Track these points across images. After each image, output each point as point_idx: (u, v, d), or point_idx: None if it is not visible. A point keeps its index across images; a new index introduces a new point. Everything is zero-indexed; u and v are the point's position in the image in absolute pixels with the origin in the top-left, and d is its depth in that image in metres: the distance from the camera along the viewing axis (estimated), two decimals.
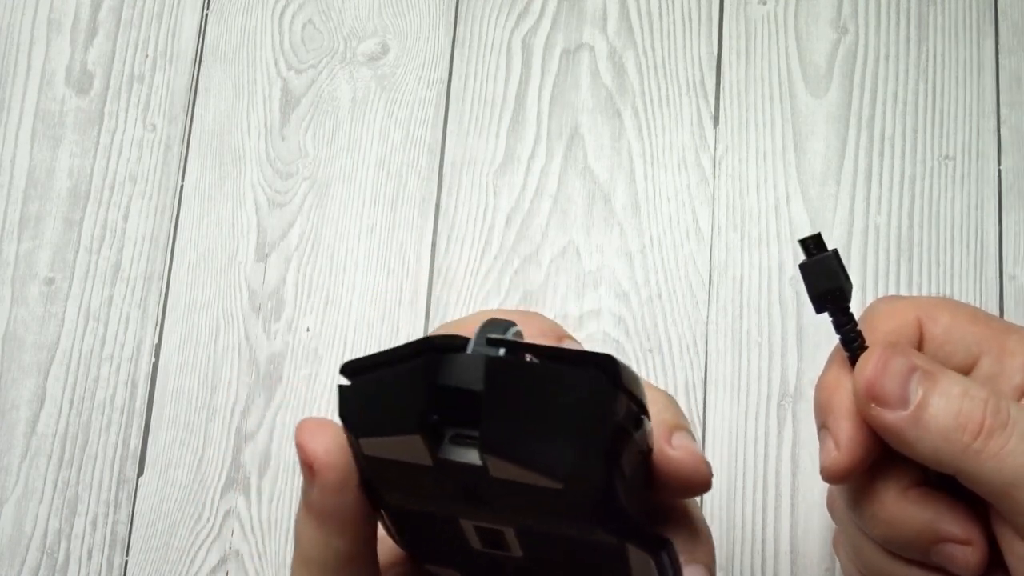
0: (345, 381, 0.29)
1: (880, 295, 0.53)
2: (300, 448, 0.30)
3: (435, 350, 0.28)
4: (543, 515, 0.29)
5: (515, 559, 0.31)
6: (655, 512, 0.33)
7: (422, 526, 0.31)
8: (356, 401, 0.29)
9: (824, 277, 0.34)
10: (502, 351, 0.28)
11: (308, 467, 0.30)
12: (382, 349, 0.29)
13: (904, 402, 0.32)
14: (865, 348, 0.35)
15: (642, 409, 0.30)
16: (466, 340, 0.29)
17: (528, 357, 0.29)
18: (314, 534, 0.31)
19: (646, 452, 0.31)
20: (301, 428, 0.31)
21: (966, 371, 0.35)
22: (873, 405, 0.33)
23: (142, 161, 0.57)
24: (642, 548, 0.29)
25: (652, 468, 0.32)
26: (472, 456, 0.28)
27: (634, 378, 0.29)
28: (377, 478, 0.30)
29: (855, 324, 0.35)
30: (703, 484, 0.32)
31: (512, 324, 0.30)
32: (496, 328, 0.29)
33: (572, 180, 0.55)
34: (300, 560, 0.31)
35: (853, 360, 0.35)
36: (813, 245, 0.34)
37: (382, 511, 0.32)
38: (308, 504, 0.31)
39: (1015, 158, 0.55)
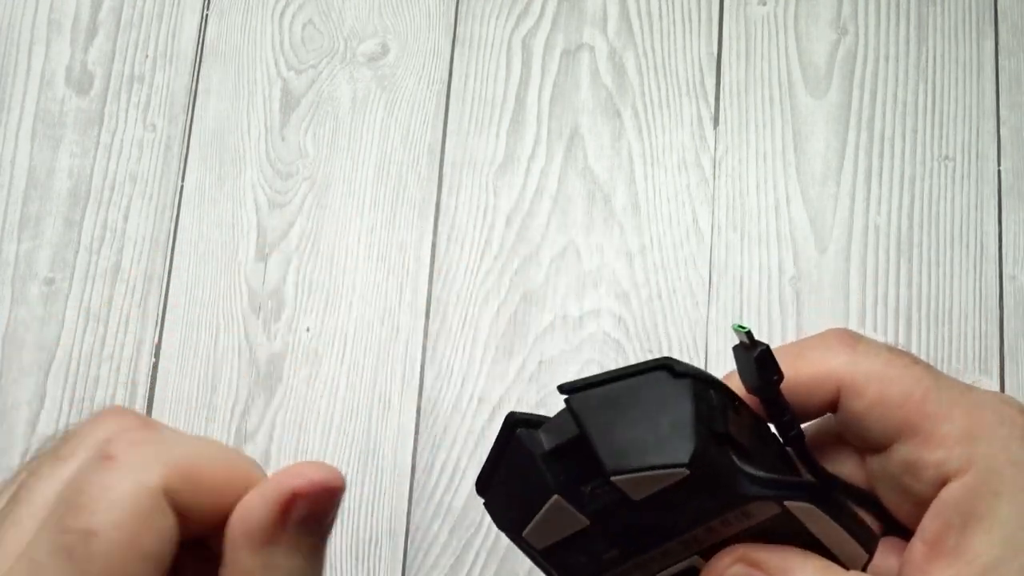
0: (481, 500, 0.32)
1: (880, 295, 0.53)
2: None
3: (521, 424, 0.31)
4: (705, 517, 0.31)
5: None
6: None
7: None
8: (499, 507, 0.32)
9: (752, 370, 0.34)
10: (565, 396, 0.31)
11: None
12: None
13: None
14: (800, 436, 0.34)
15: (714, 384, 0.32)
16: (540, 418, 0.32)
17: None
18: None
19: (754, 418, 0.33)
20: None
21: (881, 448, 0.34)
22: None
23: (142, 161, 0.57)
24: (800, 500, 0.31)
25: (790, 424, 0.34)
26: (611, 494, 0.30)
27: (692, 367, 0.32)
28: (569, 572, 0.32)
29: (784, 412, 0.34)
30: None
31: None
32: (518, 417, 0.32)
33: (572, 180, 0.56)
34: None
35: (786, 442, 0.35)
36: (747, 338, 0.34)
37: None
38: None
39: (1015, 159, 0.55)
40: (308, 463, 0.27)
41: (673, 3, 0.58)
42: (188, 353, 0.54)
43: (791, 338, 0.53)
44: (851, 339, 0.34)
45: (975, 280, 0.53)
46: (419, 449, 0.53)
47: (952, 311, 0.53)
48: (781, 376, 0.34)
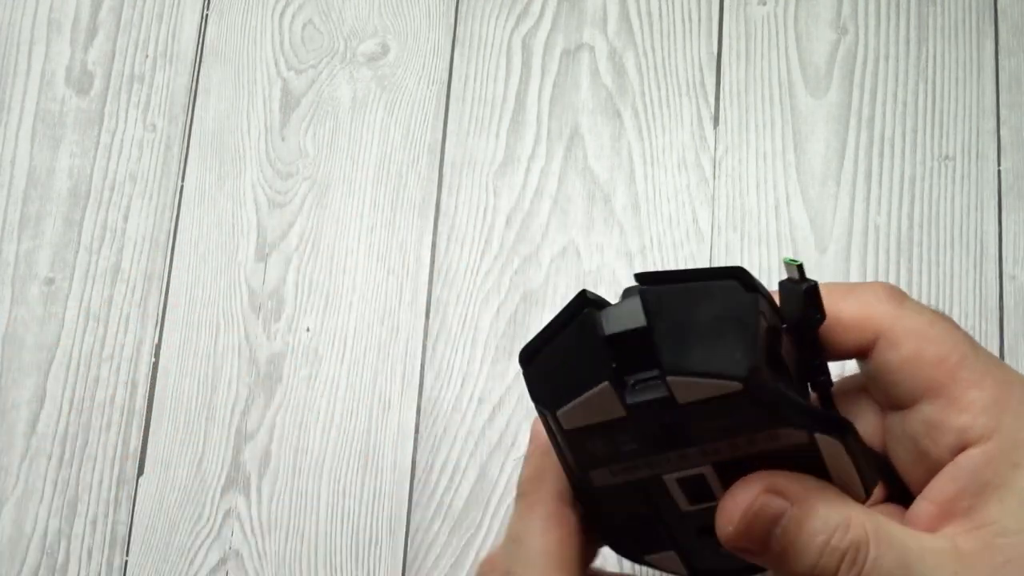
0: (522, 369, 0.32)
1: None
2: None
3: (590, 304, 0.31)
4: (735, 432, 0.31)
5: None
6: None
7: (633, 505, 0.33)
8: (541, 380, 0.32)
9: (797, 305, 0.34)
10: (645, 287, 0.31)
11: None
12: (544, 326, 0.32)
13: (765, 548, 0.32)
14: (828, 383, 0.34)
15: (774, 305, 0.32)
16: (603, 299, 0.32)
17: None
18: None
19: (795, 347, 0.33)
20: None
21: (905, 406, 0.34)
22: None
23: (142, 161, 0.57)
24: (830, 433, 0.31)
25: (816, 351, 0.34)
26: (658, 391, 0.30)
27: (759, 283, 0.32)
28: (582, 455, 0.32)
29: (817, 355, 0.34)
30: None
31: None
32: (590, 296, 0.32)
33: (572, 180, 0.56)
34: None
35: (814, 387, 0.34)
36: (798, 272, 0.34)
37: (598, 513, 0.34)
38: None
39: (1015, 158, 0.55)
40: None
41: (673, 3, 0.58)
42: (188, 353, 0.54)
43: None
44: (899, 294, 0.35)
45: (975, 280, 0.53)
46: (419, 449, 0.53)
47: (952, 311, 0.53)
48: (824, 316, 0.34)
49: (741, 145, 0.56)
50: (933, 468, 0.33)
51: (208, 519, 0.52)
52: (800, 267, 0.33)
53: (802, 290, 0.33)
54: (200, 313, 0.55)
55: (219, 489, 0.53)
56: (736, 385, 0.29)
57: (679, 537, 0.34)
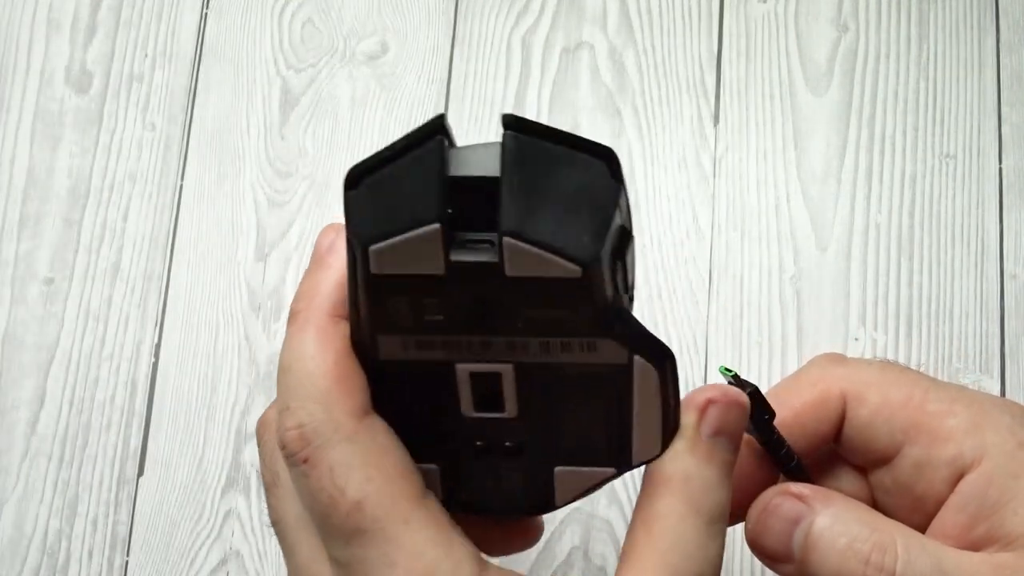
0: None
1: (881, 294, 0.53)
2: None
3: (445, 132, 0.27)
4: (552, 331, 0.28)
5: (508, 422, 0.31)
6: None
7: (411, 401, 0.31)
8: (365, 205, 0.27)
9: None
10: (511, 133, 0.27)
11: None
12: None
13: (788, 557, 0.32)
14: (799, 467, 0.34)
15: (629, 211, 0.30)
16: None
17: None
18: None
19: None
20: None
21: (889, 457, 0.34)
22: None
23: (142, 161, 0.57)
24: (650, 360, 0.29)
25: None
26: (487, 254, 0.27)
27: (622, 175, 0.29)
28: (379, 313, 0.29)
29: (781, 446, 0.34)
30: None
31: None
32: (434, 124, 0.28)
33: None
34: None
35: (787, 474, 0.35)
36: (734, 380, 0.33)
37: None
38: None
39: (1016, 156, 0.55)
40: (716, 385, 0.31)
41: (673, 1, 0.57)
42: (188, 353, 0.54)
43: (791, 337, 0.53)
44: (840, 356, 0.35)
45: (976, 279, 0.53)
46: None
47: (953, 310, 0.53)
48: (773, 413, 0.33)
49: (741, 143, 0.56)
50: (933, 508, 0.33)
51: (208, 519, 0.52)
52: (736, 376, 0.33)
53: (746, 395, 0.32)
54: (200, 313, 0.55)
55: (219, 489, 0.53)
56: (574, 270, 0.26)
57: (451, 448, 0.32)
